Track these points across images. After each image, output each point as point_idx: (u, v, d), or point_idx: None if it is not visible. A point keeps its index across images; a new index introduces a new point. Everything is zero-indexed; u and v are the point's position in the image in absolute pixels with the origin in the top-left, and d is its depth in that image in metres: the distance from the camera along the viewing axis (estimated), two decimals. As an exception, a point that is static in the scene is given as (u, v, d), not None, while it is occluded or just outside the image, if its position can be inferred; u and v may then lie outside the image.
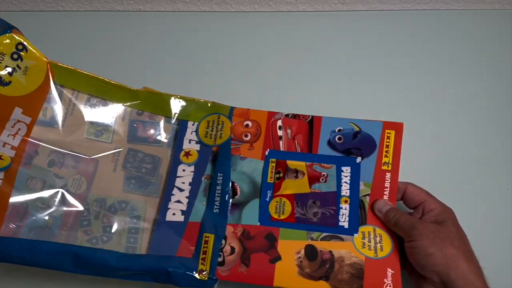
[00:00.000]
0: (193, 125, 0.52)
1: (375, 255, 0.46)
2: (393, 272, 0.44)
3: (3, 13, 0.72)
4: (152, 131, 0.51)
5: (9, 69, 0.44)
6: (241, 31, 0.70)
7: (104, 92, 0.51)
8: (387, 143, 0.49)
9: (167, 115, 0.52)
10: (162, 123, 0.52)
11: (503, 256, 0.52)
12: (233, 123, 0.52)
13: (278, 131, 0.51)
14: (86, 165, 0.48)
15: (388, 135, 0.50)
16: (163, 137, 0.51)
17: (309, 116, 0.51)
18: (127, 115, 0.51)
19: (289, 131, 0.51)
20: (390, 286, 0.44)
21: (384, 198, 0.48)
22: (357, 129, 0.51)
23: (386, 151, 0.49)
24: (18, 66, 0.45)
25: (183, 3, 0.71)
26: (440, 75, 0.65)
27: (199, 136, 0.51)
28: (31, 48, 0.46)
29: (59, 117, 0.49)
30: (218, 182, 0.48)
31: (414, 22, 0.70)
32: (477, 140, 0.59)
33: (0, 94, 0.44)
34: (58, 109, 0.49)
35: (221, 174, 0.48)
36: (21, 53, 0.46)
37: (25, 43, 0.46)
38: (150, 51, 0.68)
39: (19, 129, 0.46)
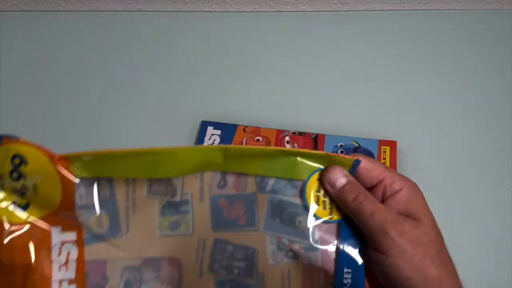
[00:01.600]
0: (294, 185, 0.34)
1: None
2: None
3: (3, 13, 0.72)
4: (242, 208, 0.35)
5: (18, 192, 0.33)
6: (241, 31, 0.70)
7: (163, 168, 0.34)
8: (384, 156, 0.54)
9: (259, 173, 0.34)
10: (253, 190, 0.35)
11: (503, 256, 0.52)
12: (245, 139, 0.55)
13: (286, 145, 0.56)
14: (169, 271, 0.35)
15: (384, 150, 0.55)
16: (257, 214, 0.35)
17: (313, 133, 0.56)
18: (206, 192, 0.36)
19: (296, 145, 0.55)
20: None
21: None
22: (357, 145, 0.56)
23: (384, 162, 0.53)
24: (24, 186, 0.32)
25: (183, 3, 0.71)
26: (440, 75, 0.64)
27: (307, 201, 0.34)
28: (30, 156, 0.32)
29: (119, 222, 0.35)
30: (345, 282, 0.32)
31: (414, 22, 0.70)
32: (477, 140, 0.59)
33: (26, 221, 0.33)
34: (112, 212, 0.35)
35: (349, 270, 0.32)
36: (21, 168, 0.32)
37: (20, 152, 0.32)
38: (150, 51, 0.68)
39: (69, 252, 0.34)
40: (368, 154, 0.54)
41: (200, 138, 0.57)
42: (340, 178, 0.33)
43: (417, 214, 0.32)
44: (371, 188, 0.33)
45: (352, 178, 0.33)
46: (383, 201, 0.33)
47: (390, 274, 0.31)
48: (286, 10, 0.71)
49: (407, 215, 0.32)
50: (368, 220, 0.31)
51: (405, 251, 0.30)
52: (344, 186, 0.32)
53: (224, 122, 0.59)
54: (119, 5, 0.72)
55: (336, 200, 0.33)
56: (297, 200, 0.33)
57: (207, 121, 0.59)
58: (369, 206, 0.31)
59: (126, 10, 0.72)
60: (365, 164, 0.33)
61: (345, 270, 0.31)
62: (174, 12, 0.72)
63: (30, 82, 0.65)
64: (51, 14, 0.72)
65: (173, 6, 0.71)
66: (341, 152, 0.55)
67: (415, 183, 0.33)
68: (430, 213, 0.32)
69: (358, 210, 0.31)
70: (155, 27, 0.70)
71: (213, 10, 0.72)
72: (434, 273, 0.30)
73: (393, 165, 0.54)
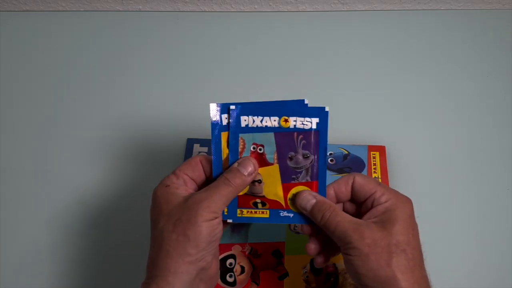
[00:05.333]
0: None
1: None
2: None
3: (3, 13, 0.72)
4: None
5: None
6: (241, 31, 0.70)
7: None
8: (374, 162, 0.54)
9: None
10: None
11: (503, 256, 0.52)
12: None
13: None
14: None
15: (374, 155, 0.55)
16: None
17: None
18: None
19: None
20: None
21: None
22: (346, 152, 0.55)
23: (374, 168, 0.54)
24: None
25: (183, 3, 0.71)
26: (440, 74, 0.64)
27: None
28: None
29: None
30: None
31: (414, 22, 0.70)
32: (477, 140, 0.59)
33: None
34: None
35: None
36: None
37: None
38: (150, 51, 0.68)
39: None
40: (358, 161, 0.54)
41: (187, 157, 0.55)
42: (309, 201, 0.38)
43: (389, 222, 0.35)
44: (365, 200, 0.38)
45: (319, 197, 0.38)
46: (369, 210, 0.37)
47: (352, 271, 0.35)
48: (286, 10, 0.71)
49: (380, 222, 0.35)
50: (333, 232, 0.35)
51: (361, 252, 0.34)
52: (312, 208, 0.37)
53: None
54: (119, 5, 0.72)
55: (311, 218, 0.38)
56: None
57: (193, 139, 0.56)
58: (334, 221, 0.36)
59: (126, 10, 0.72)
60: (359, 180, 0.38)
61: None
62: (174, 12, 0.72)
63: (30, 82, 0.65)
64: (51, 14, 0.72)
65: (173, 6, 0.71)
66: (331, 160, 0.54)
67: (406, 198, 0.37)
68: (407, 222, 0.36)
69: (325, 226, 0.36)
70: (155, 28, 0.70)
71: (213, 10, 0.72)
72: (386, 273, 0.33)
73: (383, 169, 0.54)
